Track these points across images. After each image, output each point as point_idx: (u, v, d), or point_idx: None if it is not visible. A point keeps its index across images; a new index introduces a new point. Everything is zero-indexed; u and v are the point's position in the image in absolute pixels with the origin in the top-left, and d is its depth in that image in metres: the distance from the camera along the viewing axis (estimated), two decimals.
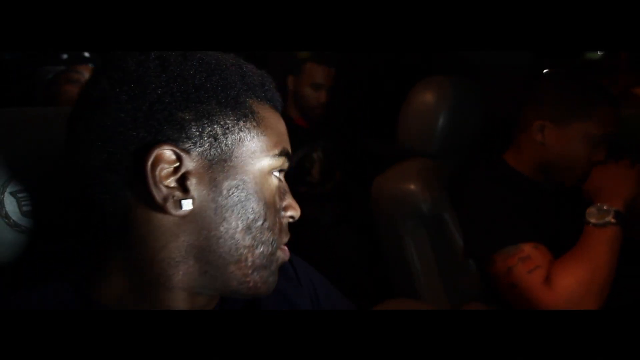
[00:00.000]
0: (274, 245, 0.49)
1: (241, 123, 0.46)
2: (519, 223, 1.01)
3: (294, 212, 0.52)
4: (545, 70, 1.75)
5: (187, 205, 0.44)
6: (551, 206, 1.11)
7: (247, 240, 0.47)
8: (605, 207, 0.98)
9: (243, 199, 0.46)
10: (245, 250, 0.47)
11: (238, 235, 0.46)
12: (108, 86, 0.44)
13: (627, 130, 1.22)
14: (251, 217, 0.46)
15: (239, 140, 0.46)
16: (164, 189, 0.43)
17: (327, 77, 1.71)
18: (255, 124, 0.47)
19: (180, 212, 0.44)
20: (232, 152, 0.46)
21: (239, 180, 0.46)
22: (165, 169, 0.43)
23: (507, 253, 0.98)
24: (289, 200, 0.52)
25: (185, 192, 0.44)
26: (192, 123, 0.44)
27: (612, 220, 0.96)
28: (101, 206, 0.45)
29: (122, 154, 0.43)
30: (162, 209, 0.44)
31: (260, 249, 0.48)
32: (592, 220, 0.97)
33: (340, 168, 1.82)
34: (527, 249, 0.97)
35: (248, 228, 0.46)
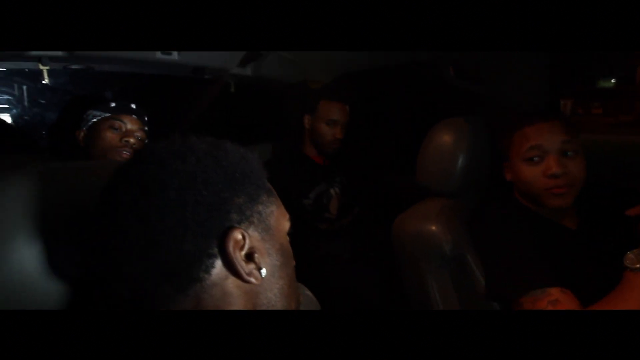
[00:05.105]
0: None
1: (271, 198, 0.58)
2: (542, 265, 1.00)
3: None
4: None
5: (264, 273, 0.54)
6: (567, 241, 1.09)
7: (292, 289, 0.59)
8: None
9: (285, 258, 0.58)
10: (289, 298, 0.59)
11: (286, 291, 0.57)
12: (176, 188, 0.49)
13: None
14: (290, 271, 0.59)
15: (271, 212, 0.57)
16: (244, 265, 0.52)
17: (342, 113, 1.76)
18: (274, 197, 0.59)
19: (258, 281, 0.53)
20: (271, 223, 0.57)
21: (279, 244, 0.57)
22: (241, 248, 0.52)
23: (534, 296, 0.96)
24: None
25: (256, 264, 0.53)
26: (246, 205, 0.53)
27: None
28: (200, 282, 0.51)
29: (207, 238, 0.50)
30: (246, 281, 0.52)
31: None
32: (627, 264, 0.89)
33: (357, 203, 1.83)
34: (555, 292, 0.95)
35: (290, 284, 0.58)
